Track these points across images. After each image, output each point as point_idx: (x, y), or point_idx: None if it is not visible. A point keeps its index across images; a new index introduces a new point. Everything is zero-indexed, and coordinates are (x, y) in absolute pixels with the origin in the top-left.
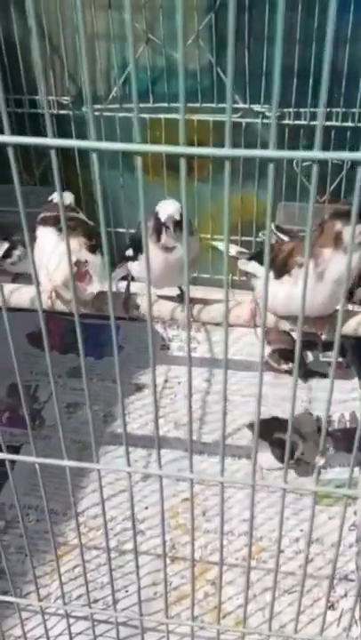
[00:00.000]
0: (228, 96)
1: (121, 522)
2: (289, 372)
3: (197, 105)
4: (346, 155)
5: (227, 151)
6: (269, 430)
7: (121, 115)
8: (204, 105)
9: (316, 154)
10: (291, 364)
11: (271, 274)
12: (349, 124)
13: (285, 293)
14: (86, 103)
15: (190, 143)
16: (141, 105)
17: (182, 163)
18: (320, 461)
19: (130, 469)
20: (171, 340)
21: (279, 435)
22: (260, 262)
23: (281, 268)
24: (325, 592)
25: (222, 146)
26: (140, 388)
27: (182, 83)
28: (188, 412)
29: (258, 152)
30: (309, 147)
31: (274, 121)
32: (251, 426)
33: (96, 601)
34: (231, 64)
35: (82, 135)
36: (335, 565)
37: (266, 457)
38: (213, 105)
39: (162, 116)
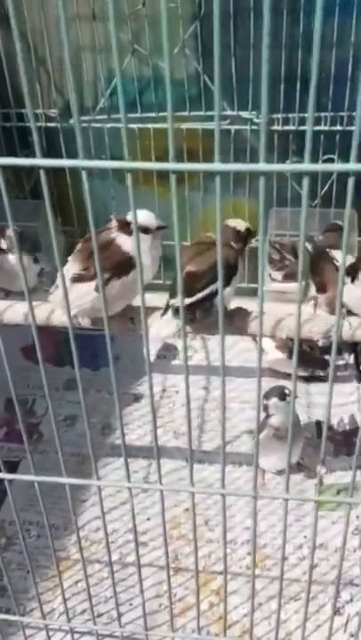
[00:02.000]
0: (216, 108)
1: (123, 534)
2: (301, 377)
3: (186, 113)
4: (336, 167)
5: (216, 166)
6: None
7: (109, 125)
8: (193, 113)
9: (307, 166)
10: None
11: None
12: (338, 127)
13: (357, 294)
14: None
15: (180, 152)
16: (130, 115)
17: (172, 178)
18: (321, 470)
19: (130, 485)
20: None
21: None
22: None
23: (355, 271)
24: (331, 598)
25: (212, 154)
26: (137, 398)
27: (169, 96)
28: (188, 425)
29: (248, 166)
30: (299, 152)
31: (263, 136)
32: (252, 432)
33: (100, 615)
34: (218, 76)
35: (71, 147)
36: (340, 571)
37: (266, 460)
38: (202, 113)
39: (150, 125)
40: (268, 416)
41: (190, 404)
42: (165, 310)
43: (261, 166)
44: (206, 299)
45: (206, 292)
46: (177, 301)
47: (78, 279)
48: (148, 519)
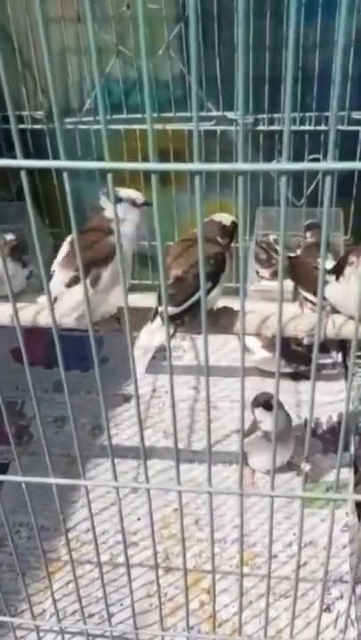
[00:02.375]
0: (193, 109)
1: (113, 535)
2: (289, 375)
3: (171, 114)
4: (312, 165)
5: (195, 166)
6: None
7: (95, 127)
8: (178, 114)
9: (282, 166)
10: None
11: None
12: (323, 127)
13: (341, 292)
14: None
15: (166, 153)
16: (115, 116)
17: (154, 179)
18: (306, 467)
19: (117, 484)
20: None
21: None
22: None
23: (340, 268)
24: (319, 595)
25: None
26: (127, 398)
27: (147, 98)
28: (173, 425)
29: (225, 166)
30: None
31: (242, 139)
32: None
33: (91, 615)
34: (195, 76)
35: (57, 149)
36: (327, 568)
37: (257, 460)
38: (187, 114)
39: (136, 127)
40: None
41: (180, 404)
42: (154, 317)
43: (239, 166)
44: (195, 303)
45: (195, 297)
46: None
47: (74, 282)
48: (139, 519)
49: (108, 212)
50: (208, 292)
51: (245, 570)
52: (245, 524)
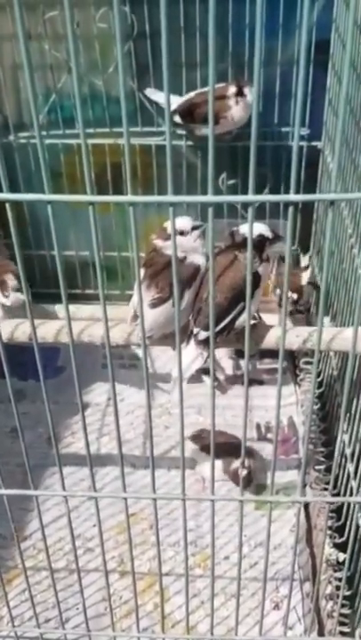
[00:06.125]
0: (126, 151)
1: (69, 541)
2: (241, 380)
3: (123, 130)
4: (279, 197)
5: (130, 198)
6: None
7: (48, 141)
8: (130, 129)
9: (208, 198)
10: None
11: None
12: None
13: None
14: (12, 133)
15: (118, 166)
16: (68, 131)
17: (91, 210)
18: (243, 472)
19: (66, 494)
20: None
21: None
22: None
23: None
24: (269, 593)
25: (151, 167)
26: (83, 407)
27: (82, 123)
28: (117, 433)
29: (158, 198)
30: (245, 167)
31: (170, 166)
32: (193, 437)
33: (48, 620)
34: (124, 107)
35: (10, 163)
36: (266, 567)
37: (208, 467)
38: (138, 129)
39: (89, 141)
40: None
41: (137, 411)
42: (188, 338)
43: (170, 198)
44: (228, 323)
45: (228, 319)
46: (201, 331)
47: (160, 302)
48: (95, 525)
49: (165, 250)
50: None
51: (199, 571)
52: (199, 527)
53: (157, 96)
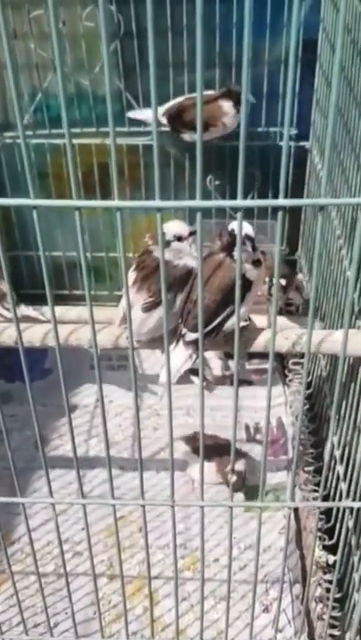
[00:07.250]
0: (112, 155)
1: (58, 545)
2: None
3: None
4: (268, 202)
5: (117, 203)
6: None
7: (34, 141)
8: (117, 129)
9: (195, 203)
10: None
11: None
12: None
13: None
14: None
15: (105, 167)
16: (54, 131)
17: (77, 215)
18: (232, 478)
19: (53, 501)
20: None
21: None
22: None
23: None
24: (259, 596)
25: (138, 167)
26: (71, 409)
27: (68, 138)
28: (104, 436)
29: (145, 203)
30: (234, 164)
31: (157, 172)
32: (186, 439)
33: (37, 625)
34: (110, 111)
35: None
36: (257, 569)
37: (196, 469)
38: (126, 129)
39: (75, 141)
40: None
41: (125, 413)
42: (177, 340)
43: (157, 203)
44: (216, 325)
45: (217, 321)
46: (189, 332)
47: (153, 306)
48: (83, 529)
49: (157, 253)
50: (233, 313)
51: (188, 574)
52: (189, 530)
53: (142, 114)
